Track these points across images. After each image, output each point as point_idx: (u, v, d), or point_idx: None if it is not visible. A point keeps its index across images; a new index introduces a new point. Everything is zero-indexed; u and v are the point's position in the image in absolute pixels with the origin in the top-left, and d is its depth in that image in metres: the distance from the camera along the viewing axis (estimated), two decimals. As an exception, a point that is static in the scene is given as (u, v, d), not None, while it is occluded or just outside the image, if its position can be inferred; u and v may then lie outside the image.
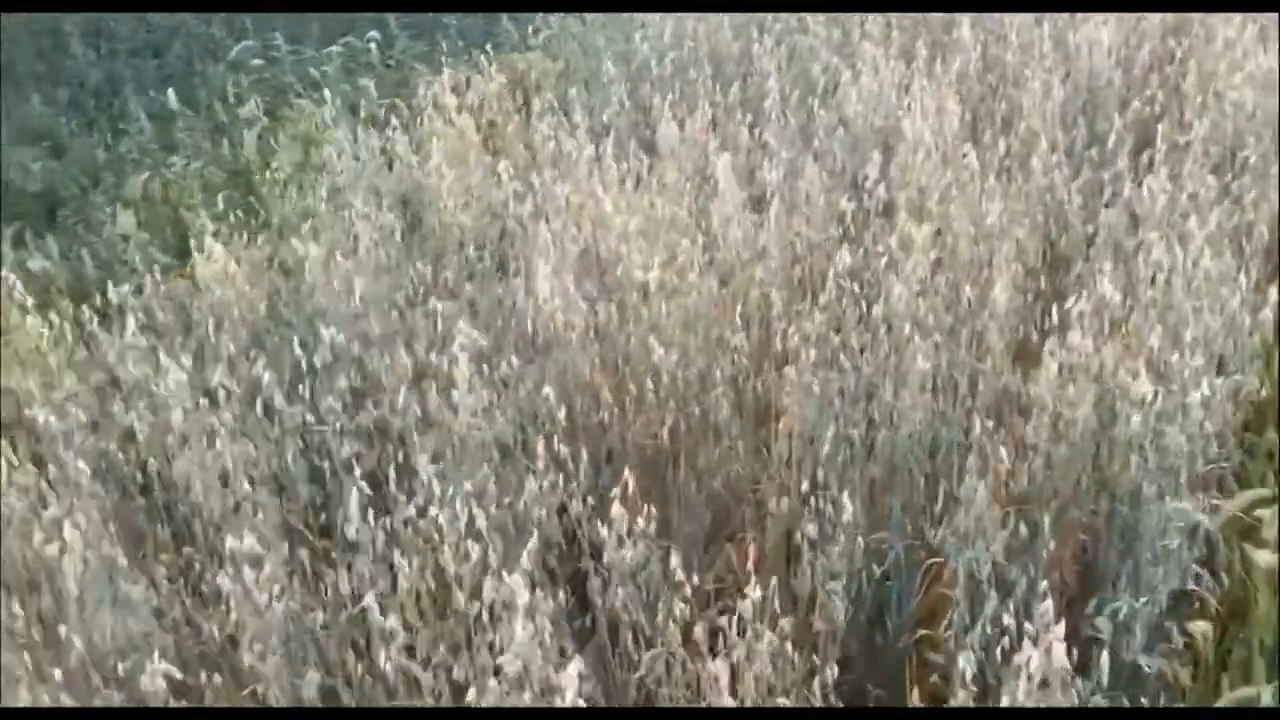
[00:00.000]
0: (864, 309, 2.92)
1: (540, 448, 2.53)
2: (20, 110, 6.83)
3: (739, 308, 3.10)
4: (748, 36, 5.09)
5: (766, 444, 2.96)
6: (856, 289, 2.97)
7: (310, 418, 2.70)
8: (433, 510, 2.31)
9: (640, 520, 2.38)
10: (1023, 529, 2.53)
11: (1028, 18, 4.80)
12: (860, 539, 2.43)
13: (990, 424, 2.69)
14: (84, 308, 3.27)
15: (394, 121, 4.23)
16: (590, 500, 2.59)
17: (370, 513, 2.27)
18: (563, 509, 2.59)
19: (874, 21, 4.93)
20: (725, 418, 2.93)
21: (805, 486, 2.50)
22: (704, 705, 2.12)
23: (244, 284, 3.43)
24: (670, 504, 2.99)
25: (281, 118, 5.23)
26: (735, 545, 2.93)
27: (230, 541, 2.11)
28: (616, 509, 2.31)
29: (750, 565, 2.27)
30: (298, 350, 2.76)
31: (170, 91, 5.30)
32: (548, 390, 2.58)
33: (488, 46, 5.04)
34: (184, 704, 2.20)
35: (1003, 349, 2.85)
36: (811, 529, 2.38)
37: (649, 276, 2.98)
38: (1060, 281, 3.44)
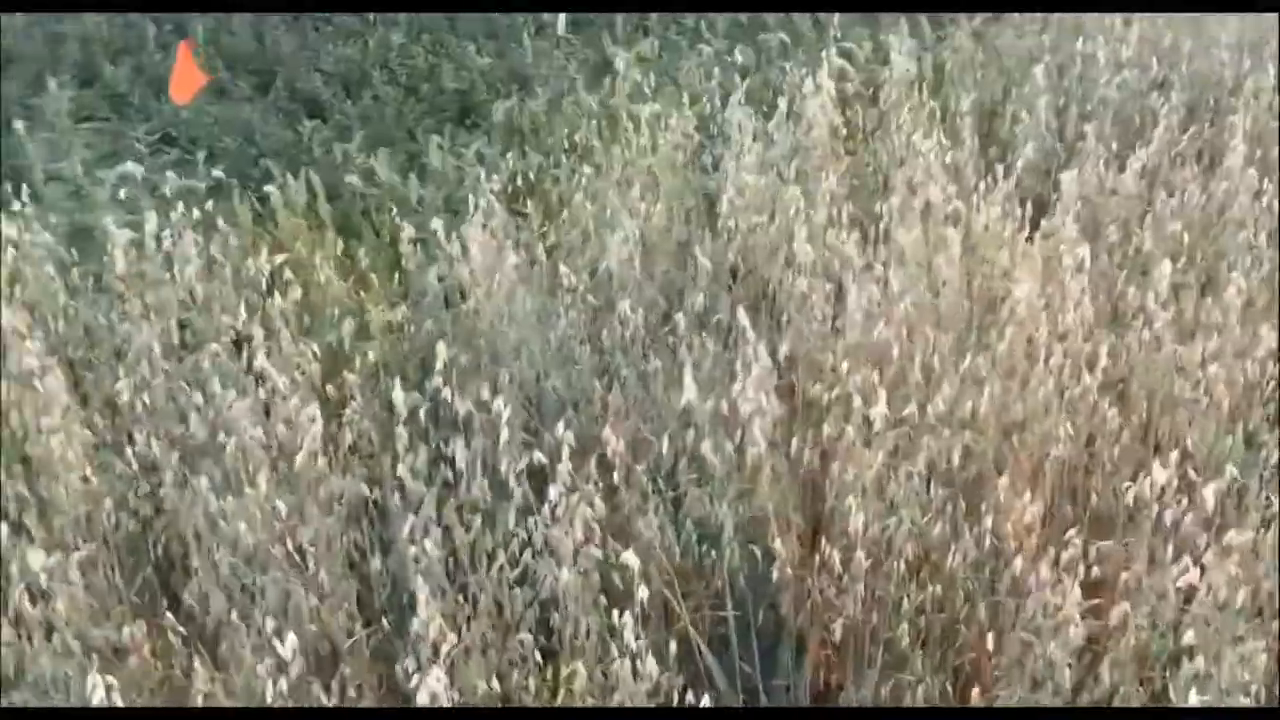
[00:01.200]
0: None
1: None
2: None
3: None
4: (1253, 55, 3.83)
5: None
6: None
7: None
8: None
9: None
10: None
11: None
12: None
13: None
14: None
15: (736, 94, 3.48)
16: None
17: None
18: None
19: None
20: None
21: None
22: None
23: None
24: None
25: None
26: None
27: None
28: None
29: None
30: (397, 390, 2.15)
31: (561, 16, 4.84)
32: (629, 558, 1.81)
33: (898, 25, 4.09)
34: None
35: None
36: None
37: (874, 411, 2.09)
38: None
